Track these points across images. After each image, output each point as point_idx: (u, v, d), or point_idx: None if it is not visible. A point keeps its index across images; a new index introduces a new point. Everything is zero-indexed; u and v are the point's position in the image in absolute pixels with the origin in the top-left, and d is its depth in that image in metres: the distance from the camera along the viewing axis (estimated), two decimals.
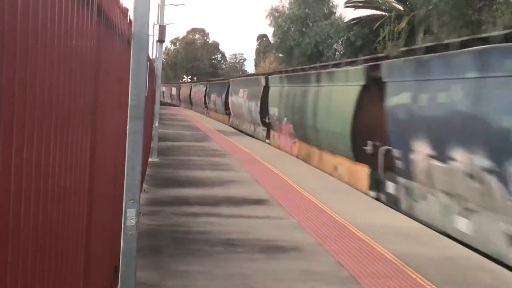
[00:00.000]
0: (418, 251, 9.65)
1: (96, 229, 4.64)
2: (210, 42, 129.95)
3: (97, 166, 4.56)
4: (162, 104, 65.20)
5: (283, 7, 58.24)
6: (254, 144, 28.40)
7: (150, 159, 19.58)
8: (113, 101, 5.58)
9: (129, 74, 5.47)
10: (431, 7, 34.50)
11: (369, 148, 15.99)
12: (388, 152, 14.71)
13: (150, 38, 46.10)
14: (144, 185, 14.25)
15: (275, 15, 57.94)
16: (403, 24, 41.01)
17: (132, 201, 5.36)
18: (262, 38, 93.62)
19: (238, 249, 9.34)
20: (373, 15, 48.31)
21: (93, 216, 4.42)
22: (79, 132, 3.58)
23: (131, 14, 5.78)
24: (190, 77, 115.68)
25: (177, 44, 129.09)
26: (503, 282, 8.25)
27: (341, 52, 52.05)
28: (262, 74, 34.82)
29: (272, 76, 30.59)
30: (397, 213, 12.98)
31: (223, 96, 45.34)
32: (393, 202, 14.30)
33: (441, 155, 11.75)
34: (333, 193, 15.07)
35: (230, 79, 46.68)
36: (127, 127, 5.39)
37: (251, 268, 8.34)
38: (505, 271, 8.86)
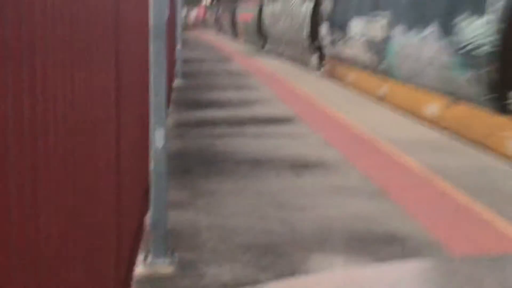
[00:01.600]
0: (447, 161, 9.65)
1: (125, 152, 4.69)
2: None
3: (123, 89, 4.57)
4: (186, 27, 64.52)
5: None
6: (279, 64, 28.18)
7: (174, 82, 19.59)
8: (135, 23, 5.54)
9: None
10: None
11: None
12: None
13: None
14: (169, 108, 14.31)
15: None
16: None
17: (158, 123, 5.39)
18: None
19: (266, 167, 9.41)
20: None
21: (122, 140, 4.46)
22: (103, 57, 3.57)
23: None
24: None
25: None
26: None
27: None
28: None
29: None
30: (423, 126, 12.92)
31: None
32: None
33: None
34: (360, 108, 15.01)
35: None
36: (150, 48, 5.36)
37: (280, 184, 8.42)
38: None
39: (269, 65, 26.45)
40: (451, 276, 1.65)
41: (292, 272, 5.50)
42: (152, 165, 5.58)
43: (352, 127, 12.50)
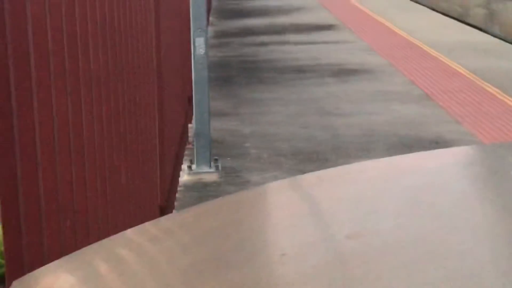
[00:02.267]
0: (494, 64, 9.41)
1: (167, 59, 4.65)
2: None
3: None
4: None
5: None
6: None
7: None
8: None
9: None
10: None
11: None
12: None
13: None
14: (210, 18, 14.16)
15: None
16: None
17: (200, 30, 5.32)
18: None
19: (308, 74, 9.31)
20: None
21: (163, 47, 4.42)
22: None
23: None
24: None
25: None
26: None
27: None
28: None
29: None
30: (471, 29, 12.57)
31: None
32: None
33: None
34: (403, 12, 14.63)
35: None
36: None
37: (323, 91, 8.34)
38: None
39: None
40: (488, 160, 1.62)
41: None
42: (193, 73, 5.55)
43: (397, 32, 12.22)
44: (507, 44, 11.01)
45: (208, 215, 1.48)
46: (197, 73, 5.54)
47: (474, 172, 1.56)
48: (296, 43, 11.60)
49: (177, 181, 5.32)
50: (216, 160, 5.79)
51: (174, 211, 4.63)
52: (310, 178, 1.69)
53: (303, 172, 5.68)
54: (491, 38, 11.55)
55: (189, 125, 6.47)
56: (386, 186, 1.47)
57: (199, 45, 5.34)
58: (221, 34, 12.74)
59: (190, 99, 6.21)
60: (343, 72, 9.34)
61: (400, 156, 3.03)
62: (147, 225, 1.54)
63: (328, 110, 7.55)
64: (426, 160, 1.65)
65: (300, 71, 9.51)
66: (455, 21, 13.49)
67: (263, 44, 11.68)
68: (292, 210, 1.41)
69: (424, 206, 1.29)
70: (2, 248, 1.58)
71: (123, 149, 2.80)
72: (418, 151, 6.11)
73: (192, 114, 6.03)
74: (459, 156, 1.71)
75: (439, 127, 6.80)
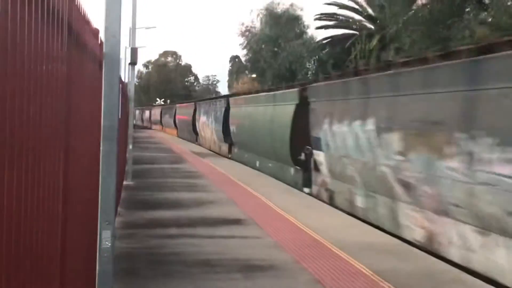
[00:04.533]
0: (395, 266, 9.67)
1: (71, 253, 4.59)
2: (182, 64, 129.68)
3: (71, 189, 4.52)
4: (136, 127, 65.18)
5: (255, 28, 58.59)
6: (231, 166, 28.36)
7: (124, 182, 19.46)
8: (86, 123, 5.55)
9: (101, 96, 5.45)
10: (400, 25, 34.87)
11: None
12: None
13: (122, 61, 46.05)
14: (119, 209, 14.14)
15: (247, 36, 58.21)
16: (374, 42, 41.40)
17: (107, 223, 5.32)
18: (234, 59, 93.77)
19: (216, 269, 9.29)
20: (344, 33, 48.72)
21: (67, 239, 4.38)
22: (52, 156, 3.55)
23: (102, 35, 5.77)
24: (163, 99, 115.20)
25: (150, 67, 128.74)
26: None
27: (313, 72, 52.34)
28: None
29: None
30: (374, 229, 13.01)
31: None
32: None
33: None
34: (310, 210, 15.07)
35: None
36: (101, 148, 5.36)
37: None
38: (478, 282, 8.94)
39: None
40: None
41: None
42: (98, 266, 5.46)
43: (303, 230, 12.50)
44: (407, 245, 11.41)
45: None
46: (102, 266, 5.45)
47: None
48: (205, 237, 11.65)
49: None
50: None
51: None
52: None
53: None
54: (393, 240, 11.95)
55: None
56: None
57: (105, 238, 5.32)
58: (129, 225, 12.68)
59: None
60: (250, 268, 9.37)
61: None
62: None
63: None
64: None
65: (208, 265, 9.49)
66: (360, 222, 13.95)
67: (171, 236, 11.68)
68: None
69: None
70: None
71: None
72: None
73: None
74: None
75: None
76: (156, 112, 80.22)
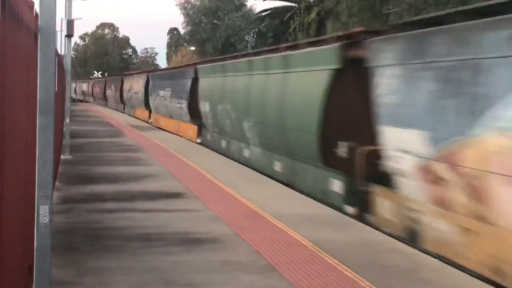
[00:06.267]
0: (333, 236, 9.85)
1: (8, 229, 4.52)
2: (120, 36, 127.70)
3: (6, 163, 4.44)
4: (73, 100, 63.79)
5: None
6: (168, 137, 28.21)
7: (62, 157, 19.17)
8: (21, 96, 5.44)
9: (37, 69, 5.34)
10: None
11: None
12: None
13: (58, 33, 45.02)
14: (56, 183, 13.95)
15: (186, 7, 57.67)
16: (312, 15, 41.59)
17: (44, 198, 5.25)
18: (173, 31, 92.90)
19: (156, 243, 9.28)
20: (283, 6, 48.78)
21: (4, 215, 4.31)
22: None
23: (37, 7, 5.65)
24: (101, 72, 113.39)
25: (86, 39, 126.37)
26: (413, 262, 8.53)
27: (253, 44, 52.31)
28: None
29: None
30: (315, 202, 13.17)
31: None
32: None
33: None
34: (250, 183, 15.16)
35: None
36: (37, 122, 5.27)
37: (170, 261, 8.31)
38: (415, 251, 9.19)
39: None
40: None
41: None
42: (36, 241, 5.39)
43: (243, 202, 12.58)
44: (345, 217, 11.61)
45: None
46: (39, 241, 5.38)
47: None
48: (144, 211, 11.61)
49: None
50: None
51: None
52: None
53: None
54: (331, 211, 12.14)
55: None
56: None
57: (43, 213, 5.25)
58: (67, 200, 12.53)
59: (31, 268, 5.98)
60: (189, 241, 9.40)
61: None
62: None
63: (175, 280, 7.51)
64: None
65: (148, 239, 9.47)
66: (300, 195, 14.10)
67: (110, 211, 11.60)
68: None
69: None
70: None
71: None
72: None
73: (32, 285, 5.78)
74: None
75: None
76: (99, 86, 71.04)
